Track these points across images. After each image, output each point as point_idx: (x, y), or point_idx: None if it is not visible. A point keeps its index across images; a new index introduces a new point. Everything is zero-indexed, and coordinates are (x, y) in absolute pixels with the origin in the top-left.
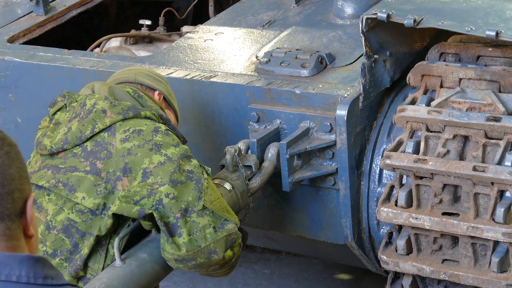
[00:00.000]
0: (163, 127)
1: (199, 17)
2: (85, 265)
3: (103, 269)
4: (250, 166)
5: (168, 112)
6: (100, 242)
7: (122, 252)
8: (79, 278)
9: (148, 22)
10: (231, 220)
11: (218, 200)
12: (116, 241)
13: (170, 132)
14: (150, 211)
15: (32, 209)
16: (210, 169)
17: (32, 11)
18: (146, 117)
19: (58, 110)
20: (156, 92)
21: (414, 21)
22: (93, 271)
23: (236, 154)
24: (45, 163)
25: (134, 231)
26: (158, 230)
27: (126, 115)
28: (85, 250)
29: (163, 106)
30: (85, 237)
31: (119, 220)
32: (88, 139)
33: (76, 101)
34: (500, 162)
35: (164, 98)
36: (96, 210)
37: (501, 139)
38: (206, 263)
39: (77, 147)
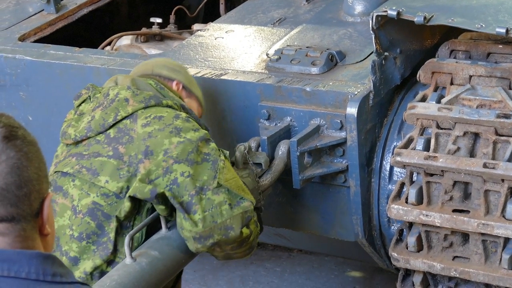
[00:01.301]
0: (183, 114)
1: (210, 15)
2: (115, 249)
3: None
4: (260, 164)
5: (189, 101)
6: (125, 225)
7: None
8: (109, 262)
9: (159, 20)
10: (247, 198)
11: (234, 179)
12: (126, 239)
13: (190, 119)
14: (163, 190)
15: (49, 208)
16: (228, 152)
17: (43, 10)
18: (168, 106)
19: (83, 102)
20: (174, 82)
21: (424, 18)
22: (122, 254)
23: (246, 151)
24: (70, 152)
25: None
26: (172, 217)
27: (148, 103)
28: (112, 234)
29: (183, 96)
30: (110, 219)
31: (140, 202)
32: (111, 127)
33: (100, 93)
34: (510, 159)
35: (183, 87)
36: (120, 194)
37: (511, 136)
38: (224, 240)
39: (101, 134)
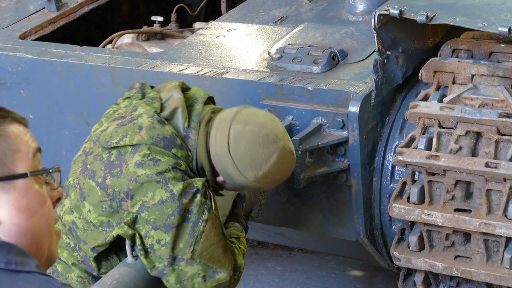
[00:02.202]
0: (184, 165)
1: (212, 14)
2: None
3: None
4: None
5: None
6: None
7: None
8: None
9: (160, 19)
10: (223, 270)
11: (212, 247)
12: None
13: (189, 172)
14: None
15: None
16: (215, 203)
17: (44, 8)
18: (175, 156)
19: (128, 98)
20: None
21: (427, 17)
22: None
23: None
24: (87, 152)
25: None
26: None
27: (157, 143)
28: (89, 254)
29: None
30: (80, 243)
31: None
32: (114, 148)
33: (141, 99)
34: None
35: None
36: (99, 226)
37: None
38: None
39: (106, 151)
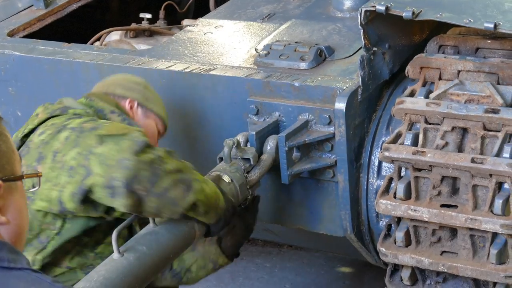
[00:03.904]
0: (83, 115)
1: (201, 11)
2: None
3: (33, 263)
4: (248, 159)
5: (146, 121)
6: (40, 240)
7: None
8: None
9: (148, 16)
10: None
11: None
12: (114, 234)
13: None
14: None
15: (12, 197)
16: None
17: (32, 5)
18: (75, 114)
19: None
20: (127, 101)
21: (413, 13)
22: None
23: (234, 146)
24: None
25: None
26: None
27: (53, 113)
28: None
29: (139, 115)
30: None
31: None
32: (23, 143)
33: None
34: (498, 154)
35: (139, 104)
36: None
37: (499, 131)
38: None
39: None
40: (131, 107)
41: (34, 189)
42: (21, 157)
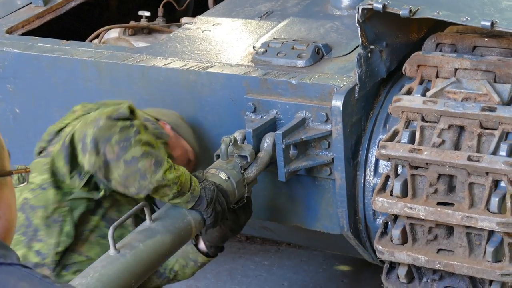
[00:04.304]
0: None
1: (199, 9)
2: (36, 237)
3: (57, 244)
4: (245, 156)
5: (176, 146)
6: (53, 218)
7: None
8: (38, 252)
9: (147, 14)
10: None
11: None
12: (110, 230)
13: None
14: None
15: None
16: None
17: (31, 2)
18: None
19: None
20: (161, 122)
21: (410, 11)
22: (48, 245)
23: (231, 144)
24: None
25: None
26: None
27: (90, 111)
28: (36, 221)
29: (172, 136)
30: (35, 209)
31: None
32: (57, 135)
33: None
34: (495, 152)
35: (172, 128)
36: (43, 185)
37: (496, 129)
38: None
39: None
40: (164, 128)
41: (22, 185)
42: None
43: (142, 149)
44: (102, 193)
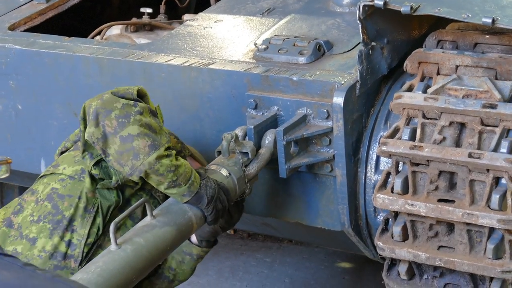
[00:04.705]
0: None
1: (201, 5)
2: (70, 227)
3: (88, 235)
4: (246, 153)
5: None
6: (87, 209)
7: None
8: (69, 243)
9: (149, 10)
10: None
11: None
12: (112, 226)
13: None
14: None
15: None
16: None
17: None
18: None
19: None
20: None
21: (411, 8)
22: (80, 235)
23: (232, 140)
24: None
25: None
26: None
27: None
28: (68, 212)
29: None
30: (64, 198)
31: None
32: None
33: None
34: (495, 149)
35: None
36: (74, 175)
37: (497, 126)
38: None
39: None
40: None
41: (5, 176)
42: None
43: (140, 129)
44: (114, 178)
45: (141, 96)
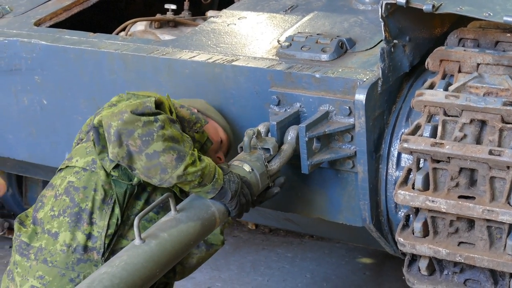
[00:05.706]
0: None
1: (225, 2)
2: (89, 219)
3: (108, 226)
4: (268, 149)
5: (207, 126)
6: (105, 201)
7: None
8: (89, 235)
9: (173, 7)
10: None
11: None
12: (136, 220)
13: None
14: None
15: None
16: None
17: None
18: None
19: None
20: (185, 108)
21: (433, 6)
22: (99, 228)
23: (254, 136)
24: None
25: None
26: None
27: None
28: (84, 204)
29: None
30: (79, 191)
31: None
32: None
33: None
34: None
35: (199, 111)
36: (86, 167)
37: None
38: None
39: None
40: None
41: None
42: None
43: (165, 144)
44: (135, 180)
45: (158, 105)
